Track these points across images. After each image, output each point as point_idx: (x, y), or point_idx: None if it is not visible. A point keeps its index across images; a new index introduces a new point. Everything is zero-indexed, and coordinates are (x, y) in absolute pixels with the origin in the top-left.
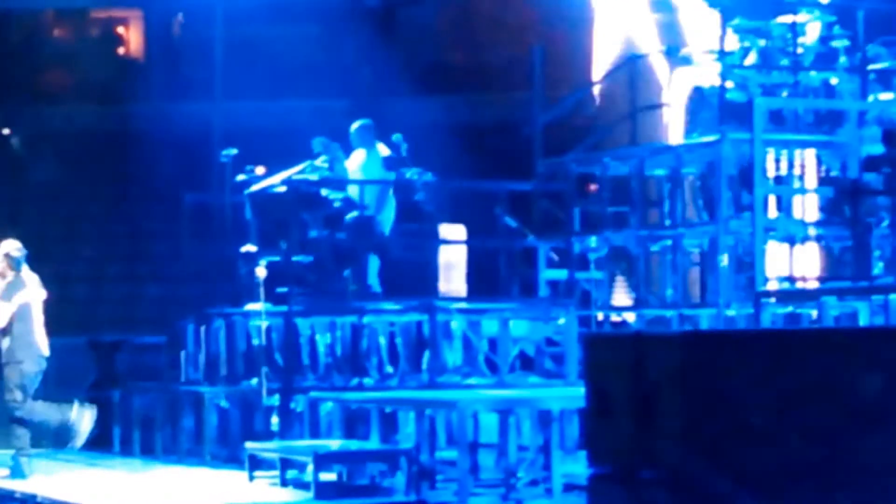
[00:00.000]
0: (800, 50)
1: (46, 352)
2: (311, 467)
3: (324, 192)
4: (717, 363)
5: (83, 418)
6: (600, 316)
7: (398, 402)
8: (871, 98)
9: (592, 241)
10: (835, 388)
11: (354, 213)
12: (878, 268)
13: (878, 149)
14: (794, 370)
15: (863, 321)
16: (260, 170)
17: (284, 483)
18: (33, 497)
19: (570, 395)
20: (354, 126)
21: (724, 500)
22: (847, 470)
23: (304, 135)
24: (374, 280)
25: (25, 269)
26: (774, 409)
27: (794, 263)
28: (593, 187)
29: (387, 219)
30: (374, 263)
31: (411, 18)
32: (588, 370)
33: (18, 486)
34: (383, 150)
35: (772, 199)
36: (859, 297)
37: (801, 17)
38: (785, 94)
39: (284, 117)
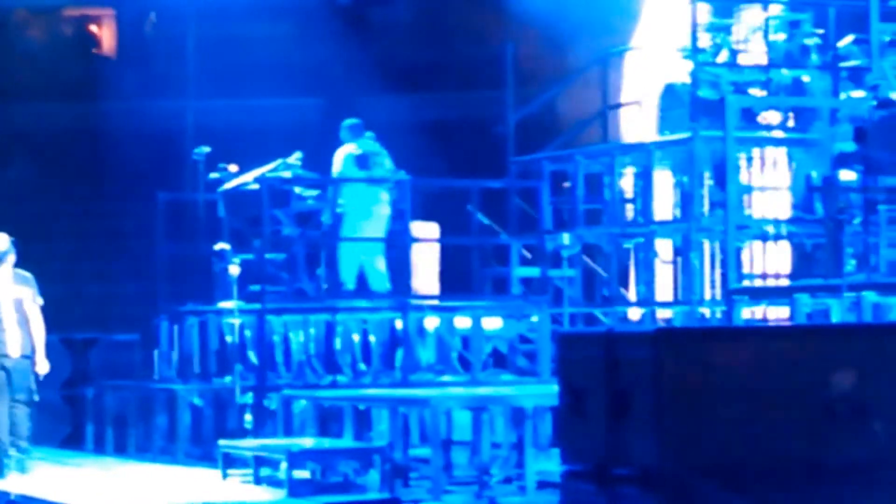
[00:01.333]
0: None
1: (14, 351)
2: (284, 465)
3: (297, 189)
4: (690, 360)
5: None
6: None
7: (372, 400)
8: (842, 96)
9: (565, 238)
10: (808, 384)
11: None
12: (850, 265)
13: (850, 146)
14: (767, 367)
15: (835, 318)
16: (233, 168)
17: (258, 481)
18: (6, 495)
19: (543, 392)
20: (345, 123)
21: (698, 497)
22: (820, 466)
23: (277, 133)
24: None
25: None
26: (747, 406)
27: (767, 261)
28: (566, 185)
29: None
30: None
31: (383, 17)
32: (561, 367)
33: None
34: (352, 148)
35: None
36: (832, 295)
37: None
38: (756, 91)
39: (257, 115)
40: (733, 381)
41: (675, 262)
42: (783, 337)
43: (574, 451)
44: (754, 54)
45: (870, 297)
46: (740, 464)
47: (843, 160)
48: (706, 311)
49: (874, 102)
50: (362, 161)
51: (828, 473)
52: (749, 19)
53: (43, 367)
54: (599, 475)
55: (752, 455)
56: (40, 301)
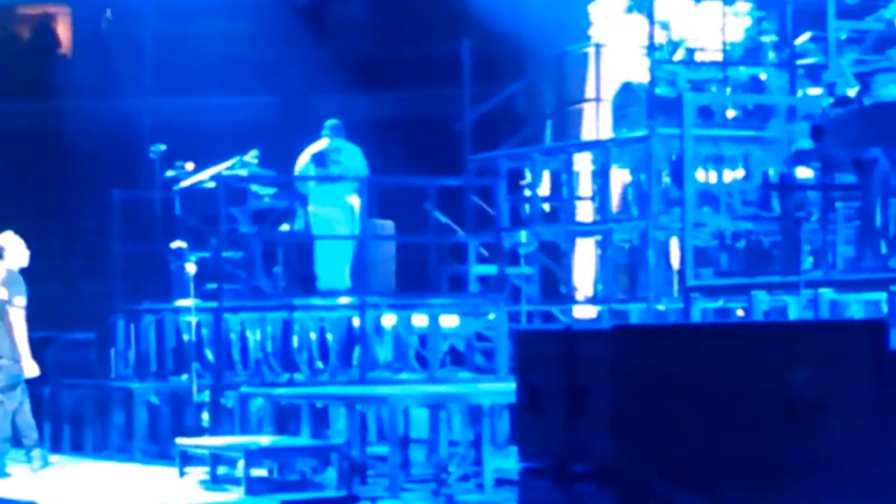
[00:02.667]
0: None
1: None
2: (241, 463)
3: (253, 187)
4: (648, 357)
5: None
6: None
7: (329, 398)
8: (799, 93)
9: (522, 235)
10: (765, 381)
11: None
12: (806, 262)
13: (807, 144)
14: (725, 364)
15: (792, 316)
16: (189, 166)
17: (215, 479)
18: None
19: (500, 390)
20: (330, 123)
21: (655, 493)
22: (777, 463)
23: (233, 131)
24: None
25: None
26: (705, 403)
27: (724, 258)
28: (523, 182)
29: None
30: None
31: (340, 14)
32: (518, 365)
33: None
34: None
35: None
36: (789, 292)
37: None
38: (713, 89)
39: (213, 113)
40: (691, 378)
41: (631, 260)
42: (740, 334)
43: (532, 449)
44: (710, 52)
45: (827, 294)
46: (697, 461)
47: (800, 158)
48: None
49: (831, 100)
50: (319, 159)
51: (785, 470)
52: (705, 16)
53: (30, 369)
54: (557, 472)
55: (710, 452)
56: (20, 302)
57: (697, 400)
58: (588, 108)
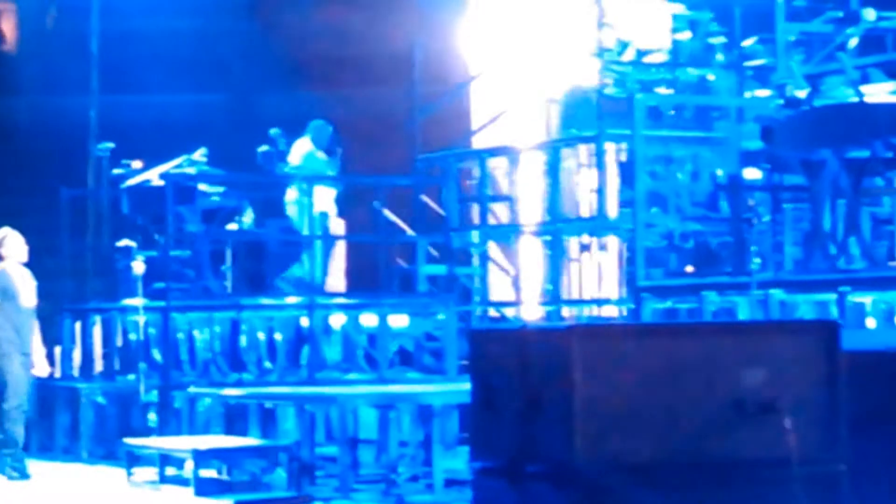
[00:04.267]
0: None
1: None
2: (190, 464)
3: (202, 186)
4: (603, 357)
5: None
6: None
7: (279, 398)
8: (747, 95)
9: (474, 235)
10: (718, 381)
11: None
12: (754, 263)
13: (756, 145)
14: (679, 364)
15: (741, 316)
16: (137, 164)
17: (163, 480)
18: None
19: (450, 390)
20: (314, 124)
21: (609, 493)
22: (731, 462)
23: (181, 129)
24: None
25: None
26: (659, 403)
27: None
28: (468, 183)
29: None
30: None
31: (288, 13)
32: (473, 364)
33: None
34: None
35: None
36: (739, 292)
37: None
38: (662, 90)
39: (161, 111)
40: (645, 377)
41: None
42: (695, 334)
43: (486, 448)
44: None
45: (777, 294)
46: (651, 460)
47: (749, 159)
48: (613, 309)
49: (781, 101)
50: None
51: (738, 469)
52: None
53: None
54: (511, 472)
55: (664, 451)
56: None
57: (652, 399)
58: (538, 109)
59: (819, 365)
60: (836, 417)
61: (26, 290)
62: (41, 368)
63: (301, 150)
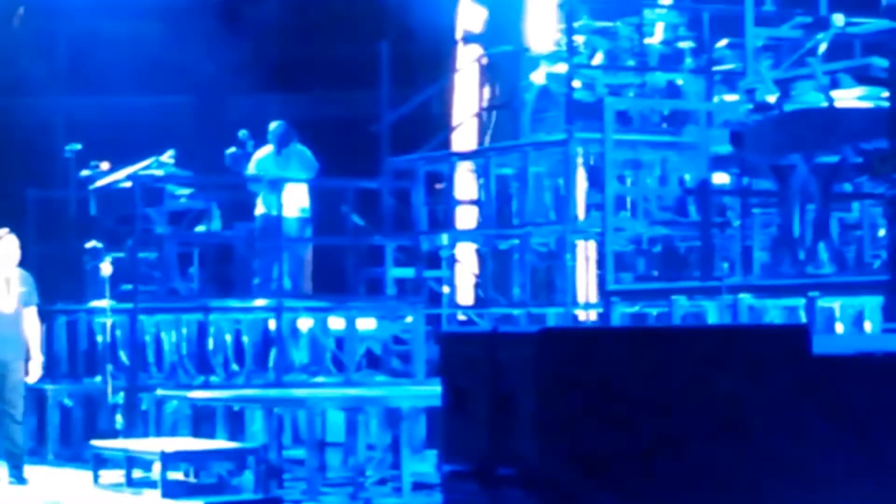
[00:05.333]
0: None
1: None
2: (157, 466)
3: (170, 188)
4: (573, 360)
5: None
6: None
7: (247, 401)
8: (716, 99)
9: (444, 238)
10: (689, 385)
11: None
12: (723, 268)
13: (725, 149)
14: (650, 367)
15: (711, 321)
16: (104, 165)
17: (130, 482)
18: None
19: (419, 393)
20: (272, 125)
21: (579, 497)
22: (701, 466)
23: (148, 131)
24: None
25: None
26: (630, 406)
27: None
28: (438, 186)
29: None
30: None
31: (255, 14)
32: (444, 367)
33: None
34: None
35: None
36: (708, 297)
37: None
38: (631, 94)
39: (128, 113)
40: (616, 381)
41: (548, 264)
42: (666, 337)
43: (457, 452)
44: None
45: (746, 299)
46: (622, 463)
47: (719, 163)
48: (581, 313)
49: (750, 106)
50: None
51: (708, 473)
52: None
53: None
54: (482, 475)
55: (634, 455)
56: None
57: (622, 403)
58: (508, 112)
59: (790, 369)
60: (807, 421)
61: (11, 293)
62: (33, 375)
63: (257, 156)
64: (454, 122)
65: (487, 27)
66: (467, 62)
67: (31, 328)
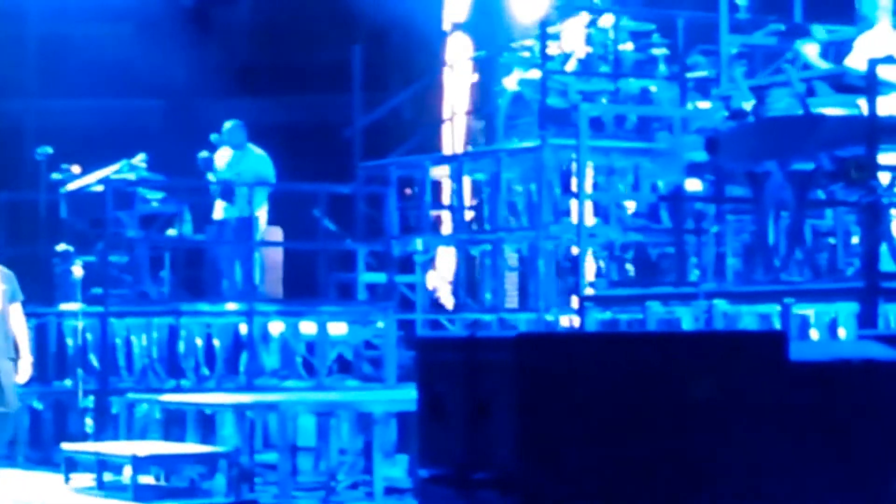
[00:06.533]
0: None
1: None
2: (128, 470)
3: (141, 191)
4: (551, 365)
5: None
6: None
7: (220, 405)
8: (689, 106)
9: (419, 244)
10: (667, 390)
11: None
12: (693, 274)
13: (700, 156)
14: (628, 373)
15: (685, 327)
16: (76, 168)
17: (101, 486)
18: None
19: (391, 398)
20: (227, 125)
21: (557, 502)
22: (679, 472)
23: (118, 134)
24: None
25: None
26: (607, 412)
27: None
28: (408, 191)
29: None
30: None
31: (226, 18)
32: (421, 371)
33: None
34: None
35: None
36: (682, 303)
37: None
38: (604, 100)
39: (99, 116)
40: (593, 386)
41: (520, 270)
42: (645, 343)
43: (433, 456)
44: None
45: (720, 305)
46: (599, 468)
47: (693, 170)
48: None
49: (726, 113)
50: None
51: (687, 479)
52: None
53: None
54: (458, 480)
55: (612, 460)
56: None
57: (600, 408)
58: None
59: (768, 374)
60: (784, 427)
61: None
62: (22, 374)
63: (222, 160)
64: (445, 116)
65: (472, 13)
66: (456, 56)
67: (18, 326)
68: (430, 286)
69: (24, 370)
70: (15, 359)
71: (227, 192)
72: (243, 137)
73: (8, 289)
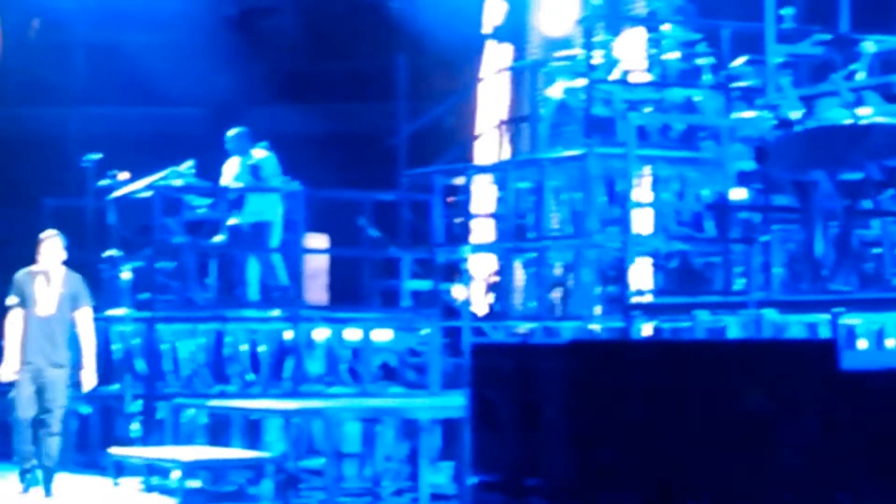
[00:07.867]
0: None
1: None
2: (175, 474)
3: (188, 198)
4: (603, 373)
5: None
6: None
7: (265, 410)
8: (734, 115)
9: (466, 251)
10: (717, 399)
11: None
12: (738, 283)
13: (748, 165)
14: (678, 381)
15: (731, 336)
16: (123, 175)
17: (149, 489)
18: None
19: (436, 405)
20: (231, 133)
21: None
22: (730, 481)
23: (165, 142)
24: (254, 287)
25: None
26: (658, 420)
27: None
28: (451, 199)
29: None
30: (255, 271)
31: (271, 27)
32: (474, 378)
33: None
34: (259, 153)
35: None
36: (730, 312)
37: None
38: (649, 109)
39: (145, 124)
40: (644, 394)
41: (565, 278)
42: (694, 351)
43: (485, 462)
44: (642, 72)
45: (769, 314)
46: (650, 476)
47: (742, 179)
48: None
49: (774, 122)
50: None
51: (737, 488)
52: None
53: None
54: (510, 486)
55: (662, 468)
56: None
57: (650, 416)
58: (525, 126)
59: (818, 384)
60: (835, 437)
61: (46, 297)
62: (87, 381)
63: (231, 171)
64: (478, 130)
65: (506, 20)
66: (493, 64)
67: (84, 332)
68: (462, 295)
69: (88, 379)
70: (65, 366)
71: (239, 200)
72: (247, 144)
73: (70, 293)
